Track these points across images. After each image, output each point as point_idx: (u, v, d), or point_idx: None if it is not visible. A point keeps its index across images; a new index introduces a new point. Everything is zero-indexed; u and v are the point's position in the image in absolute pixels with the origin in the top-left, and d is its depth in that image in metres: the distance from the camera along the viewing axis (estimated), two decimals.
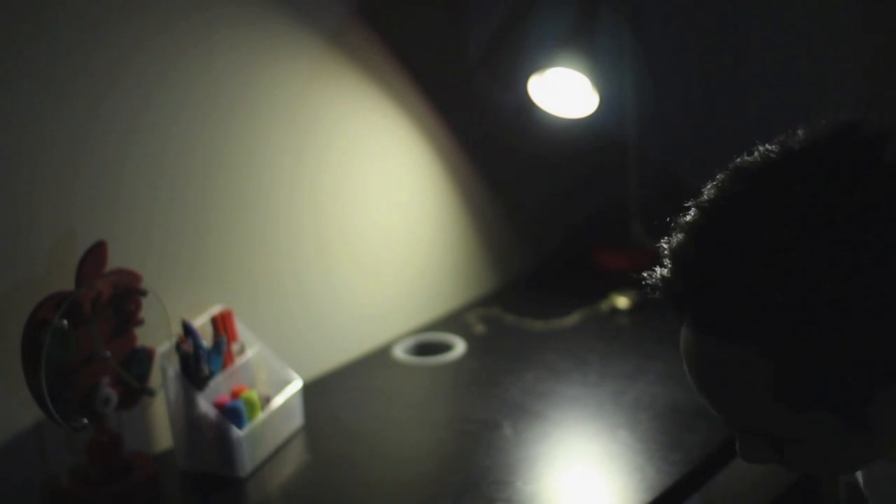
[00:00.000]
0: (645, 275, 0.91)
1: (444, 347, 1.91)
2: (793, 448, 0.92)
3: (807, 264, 0.82)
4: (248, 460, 1.50)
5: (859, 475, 1.11)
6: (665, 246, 0.90)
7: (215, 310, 1.57)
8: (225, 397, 1.52)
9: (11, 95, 1.37)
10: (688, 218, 0.89)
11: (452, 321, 2.01)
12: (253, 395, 1.54)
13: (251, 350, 1.61)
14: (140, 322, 1.46)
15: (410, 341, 1.93)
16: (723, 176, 0.90)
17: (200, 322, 1.54)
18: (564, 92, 1.98)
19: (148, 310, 1.47)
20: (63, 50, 1.41)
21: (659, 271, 0.90)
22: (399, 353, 1.89)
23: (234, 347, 1.58)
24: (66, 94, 1.42)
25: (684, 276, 0.87)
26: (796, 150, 0.88)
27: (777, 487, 1.73)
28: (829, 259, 0.82)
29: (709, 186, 0.90)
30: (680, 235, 0.89)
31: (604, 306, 2.02)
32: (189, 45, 1.56)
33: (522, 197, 2.23)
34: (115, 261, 1.41)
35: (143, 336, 1.47)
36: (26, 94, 1.38)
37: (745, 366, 0.87)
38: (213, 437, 1.49)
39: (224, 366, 1.54)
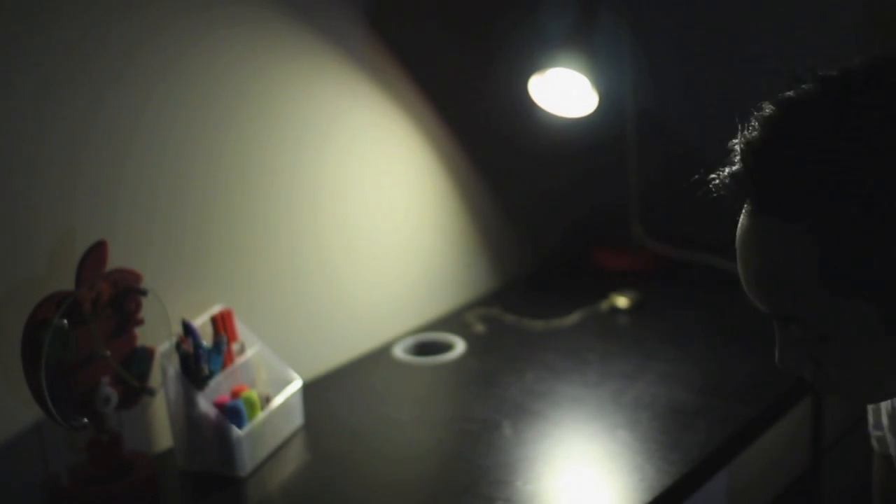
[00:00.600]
0: (712, 176, 0.99)
1: (444, 347, 1.91)
2: (828, 350, 0.97)
3: (871, 159, 0.89)
4: (248, 460, 1.50)
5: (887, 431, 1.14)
6: (736, 142, 0.97)
7: (215, 309, 1.58)
8: (225, 397, 1.52)
9: (11, 95, 1.37)
10: (764, 113, 0.95)
11: (452, 321, 2.01)
12: (253, 394, 1.54)
13: (251, 350, 1.61)
14: (140, 322, 1.47)
15: (410, 341, 1.93)
16: (801, 83, 0.97)
17: (200, 321, 1.55)
18: (564, 92, 1.98)
19: (148, 309, 1.47)
20: (63, 49, 1.41)
21: (727, 170, 0.97)
22: (399, 352, 1.89)
23: (234, 347, 1.58)
24: (66, 94, 1.42)
25: (754, 161, 0.94)
26: (874, 65, 0.94)
27: (777, 487, 1.73)
28: (891, 158, 0.89)
29: (787, 91, 0.97)
30: (754, 129, 0.95)
31: (604, 306, 2.03)
32: (189, 45, 1.56)
33: (522, 196, 2.23)
34: (115, 260, 1.41)
35: (144, 336, 1.47)
36: (26, 93, 1.38)
37: (796, 245, 0.93)
38: (213, 437, 1.49)
39: (224, 365, 1.54)
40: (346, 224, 1.85)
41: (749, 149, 0.95)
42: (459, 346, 1.90)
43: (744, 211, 0.98)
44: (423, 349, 1.91)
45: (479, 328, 1.97)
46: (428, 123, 1.97)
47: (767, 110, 0.95)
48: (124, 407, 1.46)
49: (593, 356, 1.82)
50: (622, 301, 2.02)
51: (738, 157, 0.96)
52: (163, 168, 1.55)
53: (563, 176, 2.29)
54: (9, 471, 1.41)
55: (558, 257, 2.31)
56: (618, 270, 2.21)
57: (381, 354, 1.89)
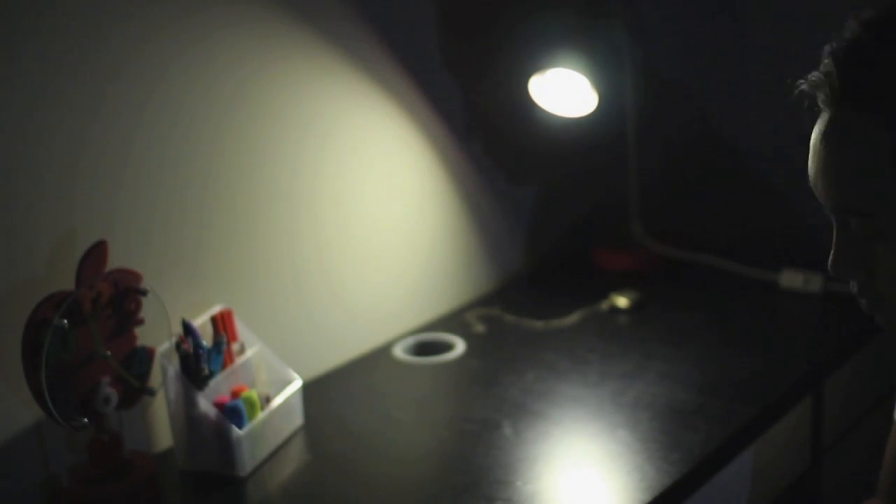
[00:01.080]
0: (800, 81, 1.06)
1: (444, 347, 1.91)
2: (884, 253, 1.02)
3: None
4: (247, 460, 1.51)
5: None
6: (827, 46, 1.03)
7: (215, 309, 1.58)
8: (225, 397, 1.52)
9: (10, 95, 1.37)
10: (861, 16, 1.02)
11: (452, 321, 2.02)
12: (253, 394, 1.54)
13: (251, 350, 1.61)
14: (140, 321, 1.47)
15: (410, 341, 1.93)
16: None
17: (200, 321, 1.55)
18: (564, 91, 1.99)
19: (148, 309, 1.47)
20: (62, 49, 1.41)
21: (815, 72, 1.04)
22: (399, 352, 1.89)
23: (234, 347, 1.58)
24: (66, 94, 1.42)
25: (846, 56, 1.01)
26: None
27: (776, 487, 1.73)
28: None
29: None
30: (849, 31, 1.01)
31: (604, 306, 2.03)
32: (189, 44, 1.56)
33: (522, 196, 2.23)
34: (115, 260, 1.41)
35: (144, 335, 1.48)
36: (26, 93, 1.38)
37: (872, 137, 1.00)
38: (213, 437, 1.49)
39: (224, 365, 1.54)
40: (346, 224, 1.85)
41: (843, 46, 1.01)
42: (459, 346, 1.90)
43: (823, 111, 1.04)
44: (424, 349, 1.91)
45: (479, 328, 1.97)
46: (428, 123, 1.97)
47: (865, 14, 1.01)
48: (124, 407, 1.46)
49: (593, 356, 1.82)
50: (622, 301, 2.02)
51: (828, 59, 1.02)
52: (163, 168, 1.55)
53: (563, 176, 2.29)
54: (9, 471, 1.41)
55: (558, 257, 2.31)
56: (618, 270, 2.21)
57: (381, 354, 1.89)
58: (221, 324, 1.56)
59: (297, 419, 1.63)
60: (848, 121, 1.02)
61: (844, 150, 1.03)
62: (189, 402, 1.49)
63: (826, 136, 1.04)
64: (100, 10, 1.44)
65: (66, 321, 1.33)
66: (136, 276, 1.44)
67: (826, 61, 1.03)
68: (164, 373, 1.49)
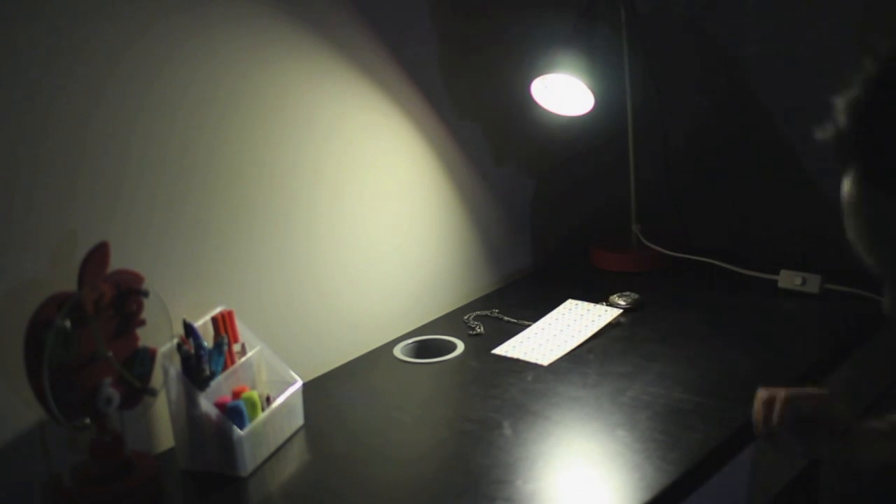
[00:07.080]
0: (820, 131, 0.94)
1: (444, 348, 1.91)
2: None
3: None
4: (248, 460, 1.51)
5: None
6: (840, 100, 0.92)
7: (216, 310, 1.58)
8: (226, 397, 1.53)
9: (9, 94, 1.37)
10: (866, 71, 0.91)
11: (452, 321, 2.02)
12: (254, 394, 1.55)
13: (252, 350, 1.61)
14: (142, 322, 1.47)
15: (410, 342, 1.93)
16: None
17: (201, 322, 1.55)
18: (564, 93, 1.99)
19: (150, 310, 1.47)
20: (60, 47, 1.41)
21: (833, 123, 0.93)
22: (399, 353, 1.89)
23: (235, 348, 1.59)
24: (65, 94, 1.42)
25: (858, 128, 0.90)
26: None
27: (775, 487, 1.74)
28: None
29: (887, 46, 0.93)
30: (855, 89, 0.91)
31: (603, 307, 2.03)
32: (186, 43, 1.56)
33: (522, 197, 2.24)
34: (116, 261, 1.42)
35: (145, 336, 1.48)
36: (24, 93, 1.38)
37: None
38: (214, 437, 1.50)
39: (225, 366, 1.55)
40: (346, 224, 1.86)
41: (853, 114, 0.91)
42: (459, 347, 1.90)
43: (849, 173, 0.96)
44: (423, 349, 1.92)
45: (479, 329, 1.98)
46: (428, 124, 1.98)
47: (870, 68, 0.91)
48: (126, 407, 1.47)
49: (592, 356, 1.83)
50: (621, 302, 2.02)
51: (841, 117, 0.92)
52: (163, 169, 1.56)
53: (563, 176, 2.30)
54: (11, 471, 1.42)
55: (558, 257, 2.32)
56: (617, 271, 2.22)
57: (381, 355, 1.90)
58: (222, 324, 1.57)
59: (298, 419, 1.64)
60: (872, 201, 0.94)
61: (877, 227, 0.96)
62: (190, 403, 1.49)
63: (853, 210, 0.96)
64: (96, 6, 1.44)
65: (68, 322, 1.34)
66: (137, 278, 1.45)
67: (839, 118, 0.92)
68: (166, 373, 1.49)
